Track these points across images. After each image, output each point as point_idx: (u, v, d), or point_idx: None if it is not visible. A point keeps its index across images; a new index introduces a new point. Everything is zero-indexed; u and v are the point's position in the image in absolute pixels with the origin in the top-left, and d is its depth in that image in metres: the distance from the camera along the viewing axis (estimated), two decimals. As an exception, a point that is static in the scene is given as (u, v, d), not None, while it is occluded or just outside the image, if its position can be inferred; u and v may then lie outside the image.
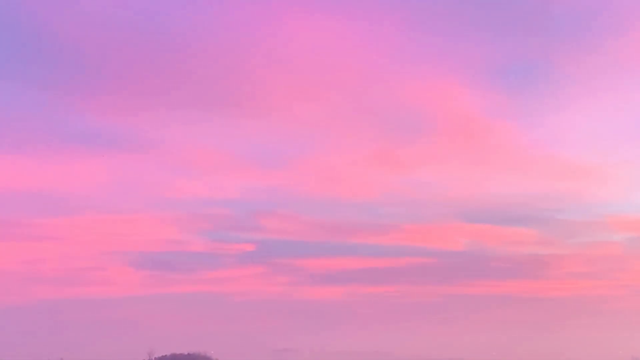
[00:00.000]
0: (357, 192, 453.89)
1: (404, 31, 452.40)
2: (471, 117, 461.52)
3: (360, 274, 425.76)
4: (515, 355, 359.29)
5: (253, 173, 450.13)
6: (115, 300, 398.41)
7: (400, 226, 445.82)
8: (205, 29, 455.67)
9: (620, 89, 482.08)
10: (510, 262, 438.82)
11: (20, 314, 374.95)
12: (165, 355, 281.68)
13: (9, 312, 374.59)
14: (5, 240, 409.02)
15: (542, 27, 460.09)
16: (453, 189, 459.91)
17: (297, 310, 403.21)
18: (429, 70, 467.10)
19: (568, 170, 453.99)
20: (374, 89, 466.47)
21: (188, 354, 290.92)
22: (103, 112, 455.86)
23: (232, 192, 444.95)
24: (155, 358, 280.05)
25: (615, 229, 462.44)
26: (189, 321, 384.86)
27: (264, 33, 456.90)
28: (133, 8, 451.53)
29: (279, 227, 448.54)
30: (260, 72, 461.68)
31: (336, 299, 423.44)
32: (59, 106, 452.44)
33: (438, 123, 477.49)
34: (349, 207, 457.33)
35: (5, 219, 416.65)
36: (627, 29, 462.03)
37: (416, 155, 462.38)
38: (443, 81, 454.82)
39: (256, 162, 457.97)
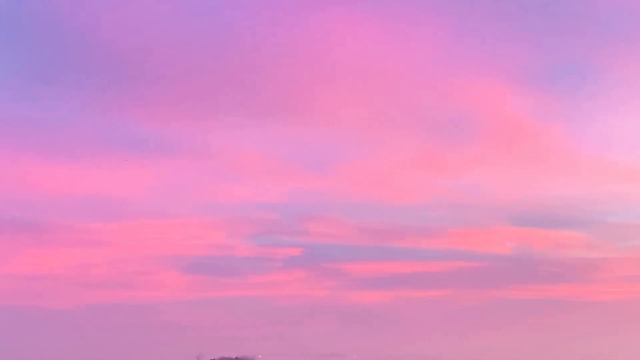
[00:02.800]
0: (403, 196, 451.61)
1: (450, 34, 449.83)
2: (519, 119, 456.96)
3: (407, 278, 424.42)
4: (565, 359, 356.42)
5: (299, 177, 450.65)
6: (164, 304, 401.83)
7: (448, 230, 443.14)
8: (251, 36, 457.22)
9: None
10: (559, 265, 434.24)
11: (71, 317, 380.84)
12: (214, 359, 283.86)
13: (60, 315, 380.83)
14: (55, 246, 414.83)
15: (590, 29, 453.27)
16: (500, 192, 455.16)
17: (343, 315, 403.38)
18: (476, 72, 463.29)
19: (617, 172, 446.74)
20: (420, 92, 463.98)
21: (236, 357, 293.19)
22: (151, 118, 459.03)
23: (279, 196, 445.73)
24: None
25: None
26: (237, 325, 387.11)
27: (309, 38, 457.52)
28: (177, 14, 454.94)
29: (325, 231, 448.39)
30: (306, 78, 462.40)
31: (383, 303, 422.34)
32: (107, 112, 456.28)
33: (485, 126, 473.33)
34: (395, 211, 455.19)
35: (55, 223, 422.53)
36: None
37: (463, 159, 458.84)
38: (490, 83, 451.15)
39: (302, 166, 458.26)
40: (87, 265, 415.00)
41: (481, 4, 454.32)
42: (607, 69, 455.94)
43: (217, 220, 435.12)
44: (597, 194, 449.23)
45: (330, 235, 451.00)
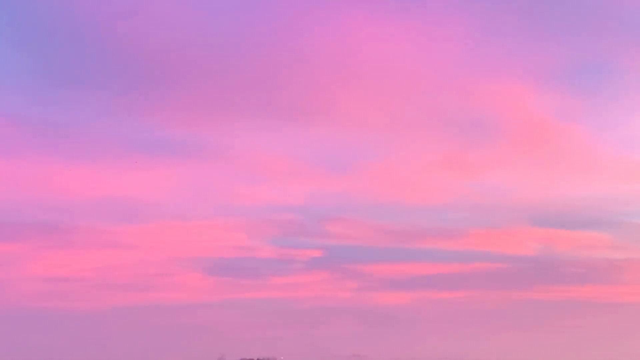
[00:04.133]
0: (424, 197, 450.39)
1: (472, 34, 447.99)
2: (541, 120, 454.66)
3: (428, 279, 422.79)
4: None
5: (320, 179, 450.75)
6: (187, 306, 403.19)
7: (469, 231, 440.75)
8: (271, 37, 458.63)
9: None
10: (582, 267, 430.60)
11: (95, 319, 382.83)
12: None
13: (84, 317, 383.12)
14: (79, 248, 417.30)
15: (613, 29, 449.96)
16: (523, 193, 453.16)
17: (364, 316, 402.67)
18: (498, 73, 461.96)
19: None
20: (441, 93, 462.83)
21: (258, 359, 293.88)
22: (173, 120, 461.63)
23: (300, 198, 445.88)
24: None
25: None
26: (258, 327, 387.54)
27: (330, 40, 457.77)
28: (198, 17, 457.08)
29: (346, 232, 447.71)
30: (327, 80, 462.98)
31: (405, 305, 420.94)
32: (130, 115, 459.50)
33: (507, 126, 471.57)
34: (416, 212, 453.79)
35: (78, 226, 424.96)
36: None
37: (485, 159, 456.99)
38: (512, 84, 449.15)
39: (323, 168, 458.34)
40: (111, 267, 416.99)
41: (503, 5, 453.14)
42: (630, 69, 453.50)
43: (239, 222, 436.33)
44: (621, 194, 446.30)
45: (352, 236, 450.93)
